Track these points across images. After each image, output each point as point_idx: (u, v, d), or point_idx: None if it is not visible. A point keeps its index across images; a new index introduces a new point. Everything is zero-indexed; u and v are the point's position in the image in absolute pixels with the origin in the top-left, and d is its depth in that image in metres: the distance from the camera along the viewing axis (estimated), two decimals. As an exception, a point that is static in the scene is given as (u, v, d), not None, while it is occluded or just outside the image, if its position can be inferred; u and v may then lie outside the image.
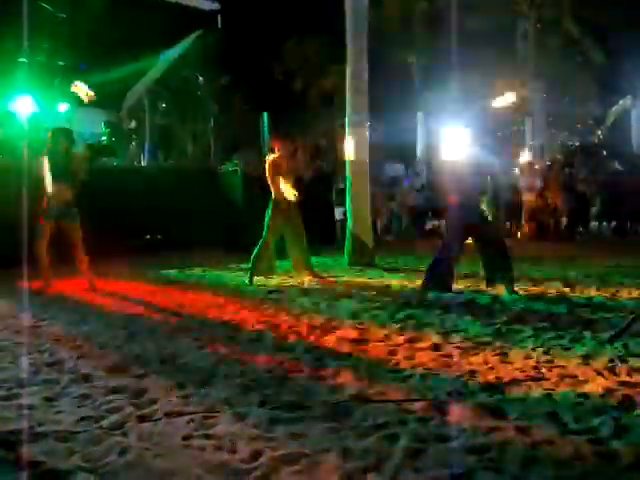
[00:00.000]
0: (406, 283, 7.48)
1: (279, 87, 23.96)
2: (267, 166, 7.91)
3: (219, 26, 17.19)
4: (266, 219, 7.85)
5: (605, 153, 19.38)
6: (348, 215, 9.91)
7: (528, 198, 15.06)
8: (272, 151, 8.12)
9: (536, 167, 16.32)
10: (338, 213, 14.17)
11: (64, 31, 13.48)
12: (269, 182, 7.88)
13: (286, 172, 7.85)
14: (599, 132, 23.26)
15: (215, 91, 19.96)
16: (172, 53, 16.71)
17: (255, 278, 7.74)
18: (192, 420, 2.92)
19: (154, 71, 16.75)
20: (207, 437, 2.73)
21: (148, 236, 12.47)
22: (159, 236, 12.55)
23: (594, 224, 15.14)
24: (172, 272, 9.10)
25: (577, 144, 21.85)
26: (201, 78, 18.99)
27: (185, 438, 2.72)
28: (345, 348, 4.28)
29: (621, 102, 21.99)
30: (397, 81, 24.05)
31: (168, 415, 3.01)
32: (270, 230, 7.81)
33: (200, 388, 3.43)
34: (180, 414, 3.02)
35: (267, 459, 2.49)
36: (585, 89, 22.96)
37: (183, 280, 8.30)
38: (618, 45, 20.28)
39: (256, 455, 2.53)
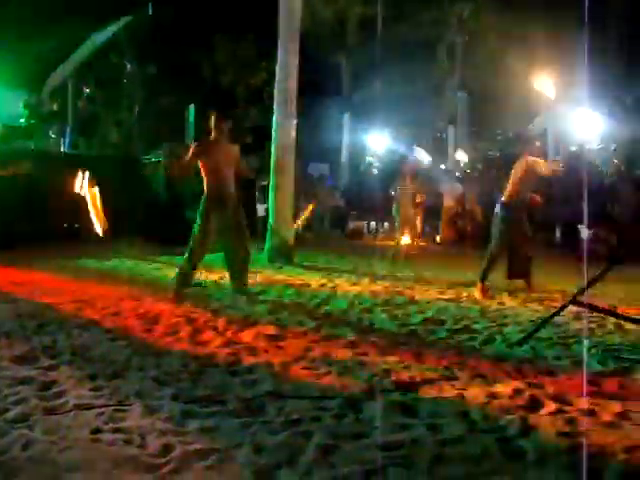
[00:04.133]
0: (325, 281, 7.53)
1: (207, 80, 23.63)
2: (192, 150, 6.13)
3: (150, 13, 16.86)
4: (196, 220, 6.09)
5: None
6: (270, 212, 9.90)
7: (448, 204, 15.45)
8: (208, 133, 6.38)
9: (457, 174, 16.77)
10: (260, 209, 14.16)
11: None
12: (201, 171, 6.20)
13: (217, 159, 6.13)
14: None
15: (142, 80, 19.53)
16: (100, 37, 16.29)
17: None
18: (102, 413, 2.84)
19: (80, 54, 16.27)
20: (117, 431, 2.65)
21: (65, 225, 12.11)
22: (77, 225, 12.21)
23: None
24: (88, 262, 8.85)
25: (498, 154, 22.50)
26: (129, 65, 18.54)
27: (94, 432, 2.63)
28: (261, 344, 4.26)
29: (537, 119, 22.80)
30: (326, 81, 24.22)
31: (77, 408, 2.91)
32: (199, 234, 6.01)
33: (111, 381, 3.34)
34: (89, 407, 2.92)
35: (178, 454, 2.43)
36: (506, 103, 23.65)
37: (99, 270, 8.09)
38: (540, 63, 21.01)
39: (167, 450, 2.47)
